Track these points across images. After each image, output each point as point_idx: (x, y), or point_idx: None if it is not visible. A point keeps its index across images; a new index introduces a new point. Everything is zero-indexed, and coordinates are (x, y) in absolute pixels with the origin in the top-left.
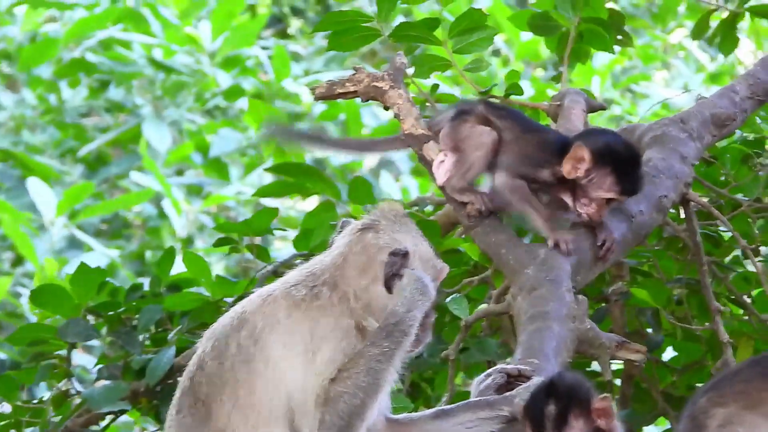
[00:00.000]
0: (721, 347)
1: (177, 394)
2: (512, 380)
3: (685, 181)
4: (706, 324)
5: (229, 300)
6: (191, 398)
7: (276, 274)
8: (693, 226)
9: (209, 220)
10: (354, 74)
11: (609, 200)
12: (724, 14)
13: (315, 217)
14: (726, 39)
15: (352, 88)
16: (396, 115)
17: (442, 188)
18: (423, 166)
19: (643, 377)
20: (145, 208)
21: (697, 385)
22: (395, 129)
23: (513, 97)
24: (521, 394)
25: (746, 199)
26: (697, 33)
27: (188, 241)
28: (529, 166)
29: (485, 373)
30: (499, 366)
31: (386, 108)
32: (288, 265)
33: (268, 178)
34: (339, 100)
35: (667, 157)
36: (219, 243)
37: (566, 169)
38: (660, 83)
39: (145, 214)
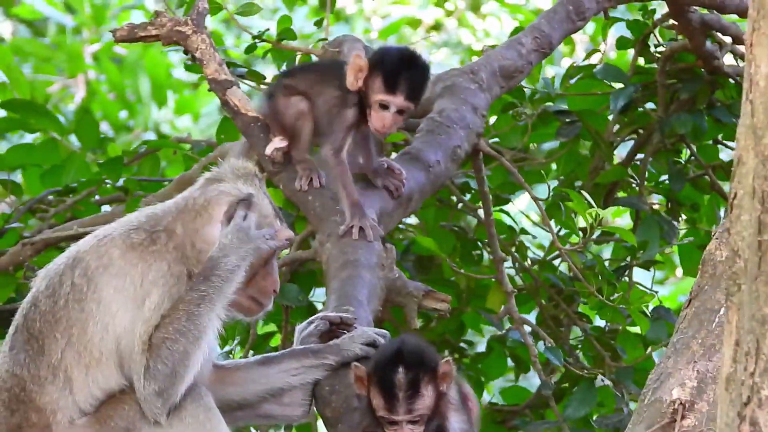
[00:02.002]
0: (506, 296)
1: (10, 331)
2: (335, 328)
3: (476, 132)
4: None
5: None
6: (25, 334)
7: (31, 210)
8: (481, 176)
9: None
10: (156, 18)
11: (387, 107)
12: None
13: (38, 154)
14: None
15: (154, 32)
16: (199, 60)
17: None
18: (227, 112)
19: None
20: None
21: None
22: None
23: (286, 42)
24: (345, 343)
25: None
26: None
27: None
28: (338, 118)
29: (308, 321)
30: (321, 313)
31: (186, 53)
32: (42, 201)
33: None
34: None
35: (459, 107)
36: None
37: (349, 81)
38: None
39: None
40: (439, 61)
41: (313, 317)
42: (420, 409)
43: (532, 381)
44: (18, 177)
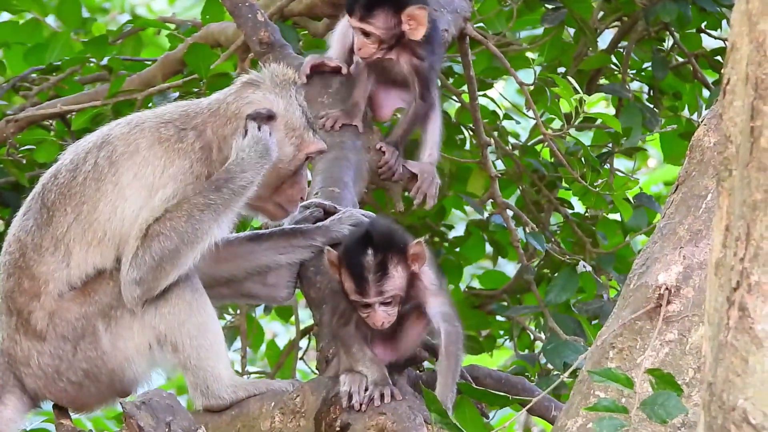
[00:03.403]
0: (489, 181)
1: (28, 198)
2: (328, 215)
3: (463, 16)
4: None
5: None
6: (39, 203)
7: (15, 88)
8: (467, 60)
9: None
10: None
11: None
12: None
13: (21, 33)
14: None
15: None
16: None
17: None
18: None
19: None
20: None
21: None
22: None
23: None
24: (333, 224)
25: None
26: None
27: None
28: None
29: (302, 204)
30: (315, 200)
31: None
32: (26, 79)
33: None
34: None
35: None
36: None
37: None
38: None
39: None
40: None
41: (308, 202)
42: (390, 290)
43: (505, 268)
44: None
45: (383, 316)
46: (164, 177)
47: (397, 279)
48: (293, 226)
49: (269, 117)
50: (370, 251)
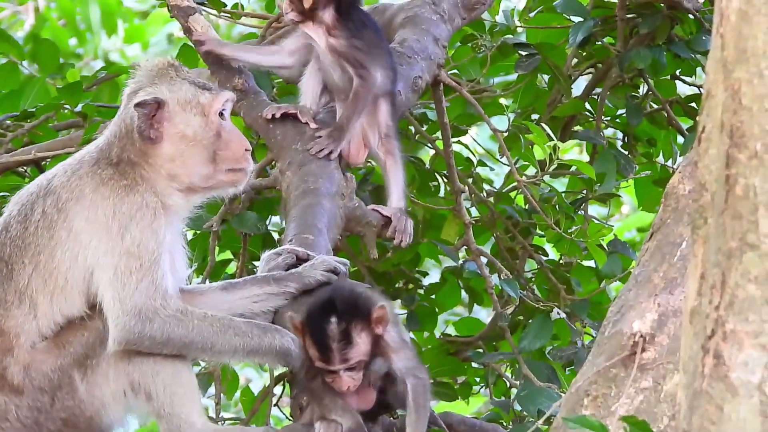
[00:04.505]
0: (463, 228)
1: None
2: (301, 263)
3: (437, 63)
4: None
5: None
6: None
7: None
8: (442, 107)
9: None
10: None
11: None
12: None
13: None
14: None
15: None
16: None
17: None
18: (189, 38)
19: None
20: None
21: None
22: None
23: None
24: (306, 270)
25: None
26: None
27: None
28: None
29: (275, 251)
30: (288, 246)
31: None
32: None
33: None
34: None
35: (421, 38)
36: None
37: None
38: None
39: None
40: None
41: (280, 249)
42: (355, 357)
43: (480, 314)
44: None
45: (348, 381)
46: (121, 218)
47: (361, 345)
48: (266, 274)
49: (158, 103)
50: (333, 319)
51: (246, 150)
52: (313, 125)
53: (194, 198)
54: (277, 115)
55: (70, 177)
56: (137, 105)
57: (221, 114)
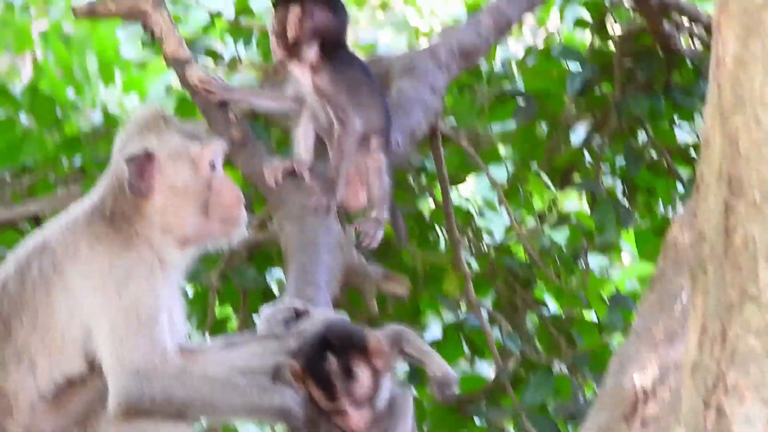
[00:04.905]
0: (463, 281)
1: None
2: (300, 317)
3: (435, 112)
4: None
5: None
6: None
7: None
8: (439, 155)
9: None
10: None
11: None
12: None
13: None
14: None
15: (113, 9)
16: (158, 38)
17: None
18: (186, 90)
19: None
20: None
21: None
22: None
23: (243, 20)
24: (306, 324)
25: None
26: None
27: None
28: None
29: (274, 307)
30: (287, 300)
31: (146, 29)
32: None
33: None
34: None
35: (418, 87)
36: None
37: None
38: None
39: None
40: (386, 41)
41: (280, 304)
42: (361, 392)
43: (481, 367)
44: None
45: (358, 419)
46: (118, 275)
47: (364, 379)
48: (265, 330)
49: (147, 156)
50: (331, 357)
51: (239, 201)
52: (307, 178)
53: (190, 250)
54: (280, 180)
55: (66, 233)
56: (127, 159)
57: (213, 165)
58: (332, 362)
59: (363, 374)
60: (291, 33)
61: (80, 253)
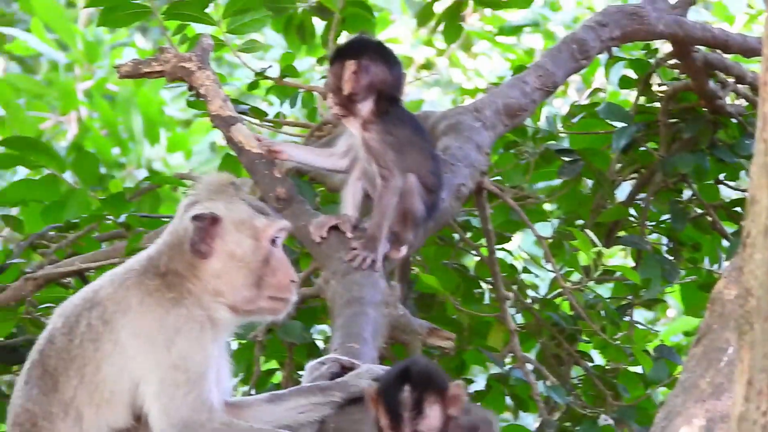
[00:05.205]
0: (508, 335)
1: (26, 365)
2: (345, 371)
3: (480, 170)
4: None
5: None
6: (40, 370)
7: (33, 246)
8: (485, 214)
9: None
10: (160, 54)
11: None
12: (448, 2)
13: (38, 190)
14: (449, 27)
15: (158, 68)
16: (203, 97)
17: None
18: (231, 148)
19: None
20: None
21: None
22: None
23: (288, 79)
24: (352, 379)
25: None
26: (421, 20)
27: None
28: None
29: (319, 361)
30: (332, 355)
31: (191, 89)
32: (43, 236)
33: None
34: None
35: (463, 145)
36: None
37: None
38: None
39: None
40: (431, 99)
41: (324, 358)
42: (425, 430)
43: (526, 421)
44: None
45: None
46: (167, 331)
47: (433, 419)
48: (312, 384)
49: (213, 219)
50: (407, 388)
51: (292, 281)
52: (350, 235)
53: (237, 318)
54: (324, 235)
55: (117, 288)
56: (194, 218)
57: (274, 241)
58: (407, 394)
59: (433, 413)
60: (346, 88)
61: (131, 308)
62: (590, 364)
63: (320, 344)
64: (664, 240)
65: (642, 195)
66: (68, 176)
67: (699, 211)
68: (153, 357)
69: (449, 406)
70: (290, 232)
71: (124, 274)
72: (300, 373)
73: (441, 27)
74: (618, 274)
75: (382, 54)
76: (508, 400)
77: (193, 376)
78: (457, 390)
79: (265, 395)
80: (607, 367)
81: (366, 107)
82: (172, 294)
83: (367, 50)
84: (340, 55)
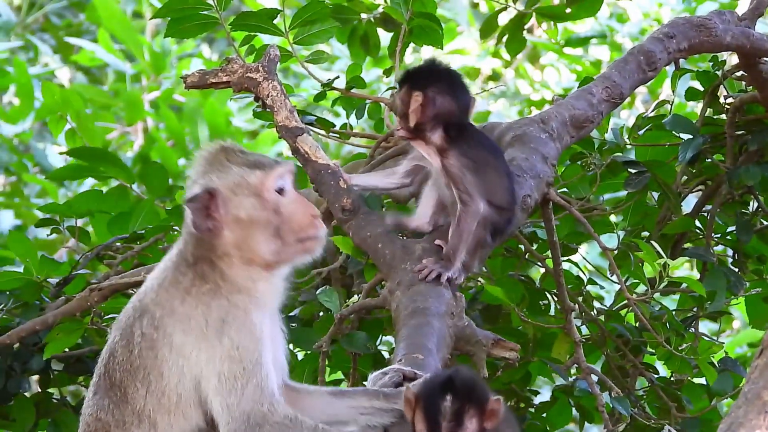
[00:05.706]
0: (573, 346)
1: (94, 378)
2: (408, 381)
3: (546, 181)
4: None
5: (52, 281)
6: (107, 382)
7: (99, 257)
8: (551, 225)
9: None
10: (227, 65)
11: None
12: (512, 14)
13: (106, 201)
14: (512, 39)
15: (225, 79)
16: (269, 107)
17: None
18: (298, 159)
19: None
20: None
21: None
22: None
23: (355, 90)
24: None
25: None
26: (484, 32)
27: None
28: None
29: (382, 371)
30: (396, 366)
31: (257, 99)
32: (110, 247)
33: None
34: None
35: (530, 156)
36: (40, 224)
37: None
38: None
39: None
40: (498, 110)
41: (387, 368)
42: None
43: None
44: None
45: None
46: (214, 324)
47: (470, 431)
48: (375, 388)
49: (209, 194)
50: (449, 397)
51: (312, 218)
52: (419, 250)
53: (276, 274)
54: (391, 226)
55: (158, 291)
56: (187, 201)
57: (281, 189)
58: (447, 403)
59: (470, 426)
60: (413, 119)
61: (176, 311)
62: (655, 376)
63: (386, 355)
64: (730, 252)
65: (708, 207)
66: (135, 187)
67: (765, 222)
68: (207, 352)
69: (487, 420)
70: (355, 243)
71: (162, 274)
72: (364, 383)
73: (505, 39)
74: (683, 285)
75: (450, 83)
76: (574, 412)
77: (249, 364)
78: (495, 405)
79: (328, 388)
80: (671, 379)
81: (436, 135)
82: (208, 285)
83: (435, 80)
84: (408, 82)
